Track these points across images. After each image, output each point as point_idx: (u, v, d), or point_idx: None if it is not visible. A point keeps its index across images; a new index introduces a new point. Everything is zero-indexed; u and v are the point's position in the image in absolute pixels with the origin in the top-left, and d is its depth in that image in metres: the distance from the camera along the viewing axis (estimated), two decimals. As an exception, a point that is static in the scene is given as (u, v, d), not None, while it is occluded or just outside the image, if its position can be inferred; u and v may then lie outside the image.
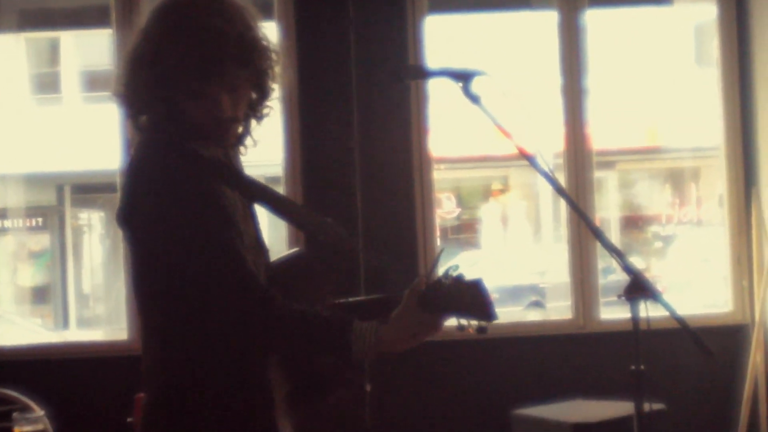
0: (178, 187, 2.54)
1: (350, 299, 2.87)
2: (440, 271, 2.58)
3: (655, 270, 12.46)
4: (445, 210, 13.06)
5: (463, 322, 2.56)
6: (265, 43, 2.70)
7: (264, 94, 2.76)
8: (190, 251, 2.53)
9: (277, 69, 2.75)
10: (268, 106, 2.80)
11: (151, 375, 2.69)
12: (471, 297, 2.53)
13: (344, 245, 2.83)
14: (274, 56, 2.73)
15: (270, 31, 2.80)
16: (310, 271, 2.87)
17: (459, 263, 2.61)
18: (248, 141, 2.83)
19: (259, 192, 2.74)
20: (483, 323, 2.54)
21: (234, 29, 2.61)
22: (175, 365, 2.65)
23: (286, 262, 2.88)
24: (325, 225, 2.79)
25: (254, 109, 2.78)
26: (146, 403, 2.70)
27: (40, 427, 5.31)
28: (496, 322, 2.53)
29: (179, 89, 2.61)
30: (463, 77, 2.87)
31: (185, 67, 2.58)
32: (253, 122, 2.81)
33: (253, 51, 2.65)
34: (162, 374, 2.67)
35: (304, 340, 2.55)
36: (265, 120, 2.84)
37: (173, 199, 2.53)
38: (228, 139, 2.74)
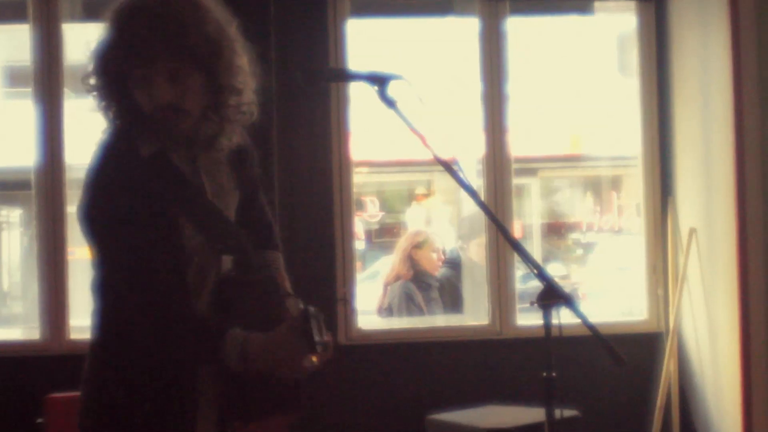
0: (121, 194, 2.63)
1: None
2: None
3: (576, 277, 12.54)
4: (369, 213, 13.05)
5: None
6: (210, 31, 2.69)
7: (217, 87, 2.74)
8: (119, 255, 2.65)
9: (235, 61, 2.75)
10: (236, 107, 2.79)
11: (87, 360, 2.80)
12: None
13: (245, 261, 2.85)
14: (224, 47, 2.72)
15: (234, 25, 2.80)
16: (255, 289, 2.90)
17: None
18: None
19: (183, 200, 2.74)
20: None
21: (170, 13, 2.63)
22: (103, 353, 2.76)
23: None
24: (231, 240, 2.84)
25: (215, 105, 2.76)
26: (81, 387, 2.81)
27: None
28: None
29: (128, 78, 2.66)
30: (379, 81, 2.86)
31: (121, 50, 2.63)
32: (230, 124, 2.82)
33: (190, 36, 2.64)
34: (92, 360, 2.78)
35: (181, 339, 2.65)
36: (242, 122, 2.86)
37: (115, 206, 2.63)
38: (176, 132, 2.73)
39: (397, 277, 7.24)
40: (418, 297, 7.19)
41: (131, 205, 2.61)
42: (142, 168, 2.67)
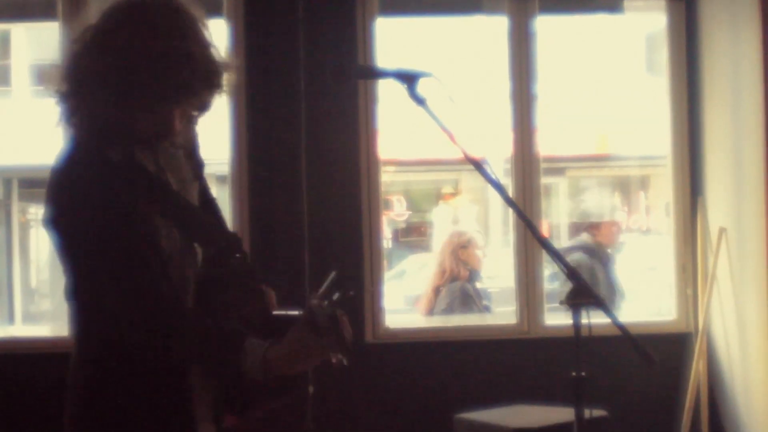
0: (97, 200, 2.57)
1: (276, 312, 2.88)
2: (333, 294, 2.63)
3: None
4: (396, 212, 13.06)
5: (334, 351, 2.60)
6: (220, 61, 2.67)
7: (207, 107, 2.75)
8: (105, 263, 2.58)
9: (226, 82, 2.74)
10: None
11: (72, 368, 2.74)
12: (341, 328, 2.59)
13: (230, 262, 2.84)
14: (225, 73, 2.70)
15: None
16: (232, 282, 2.87)
17: (348, 287, 2.64)
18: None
19: (164, 203, 2.72)
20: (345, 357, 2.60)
21: (199, 53, 2.59)
22: (91, 361, 2.69)
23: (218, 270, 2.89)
24: (217, 241, 2.83)
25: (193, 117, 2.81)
26: (67, 396, 2.74)
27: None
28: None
29: (135, 100, 2.59)
30: (409, 79, 2.86)
31: (147, 87, 2.57)
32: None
33: (214, 76, 2.64)
34: (80, 369, 2.71)
35: (198, 353, 2.62)
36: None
37: (92, 213, 2.56)
38: (144, 137, 2.72)
39: (452, 279, 7.26)
40: (475, 296, 7.24)
41: (110, 210, 2.56)
42: (115, 173, 2.62)
